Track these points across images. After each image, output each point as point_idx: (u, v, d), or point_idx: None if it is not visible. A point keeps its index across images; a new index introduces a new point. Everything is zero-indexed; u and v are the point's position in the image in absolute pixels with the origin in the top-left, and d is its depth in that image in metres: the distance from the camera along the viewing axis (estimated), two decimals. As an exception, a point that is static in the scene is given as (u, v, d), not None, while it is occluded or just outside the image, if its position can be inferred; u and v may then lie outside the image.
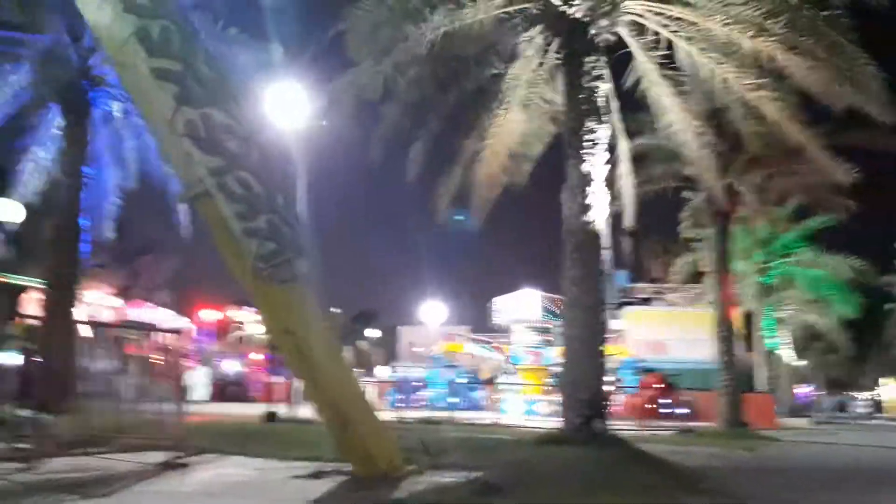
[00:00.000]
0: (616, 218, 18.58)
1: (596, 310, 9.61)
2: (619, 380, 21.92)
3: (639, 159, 18.68)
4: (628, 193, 12.18)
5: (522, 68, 11.89)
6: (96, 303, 37.33)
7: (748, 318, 29.96)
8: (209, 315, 41.47)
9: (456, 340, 29.56)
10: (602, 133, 10.26)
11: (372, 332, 50.83)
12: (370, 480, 6.41)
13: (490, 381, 23.39)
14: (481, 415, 17.92)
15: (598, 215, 9.93)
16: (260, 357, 35.21)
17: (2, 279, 14.90)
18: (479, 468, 7.16)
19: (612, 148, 11.90)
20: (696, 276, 28.29)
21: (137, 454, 7.65)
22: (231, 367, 39.24)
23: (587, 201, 9.85)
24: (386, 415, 18.03)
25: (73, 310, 13.07)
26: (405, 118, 11.83)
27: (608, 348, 26.01)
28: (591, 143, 10.08)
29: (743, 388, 17.56)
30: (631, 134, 14.10)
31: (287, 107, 17.71)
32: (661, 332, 29.10)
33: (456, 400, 20.13)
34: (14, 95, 13.89)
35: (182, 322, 41.55)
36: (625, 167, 11.92)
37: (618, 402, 20.54)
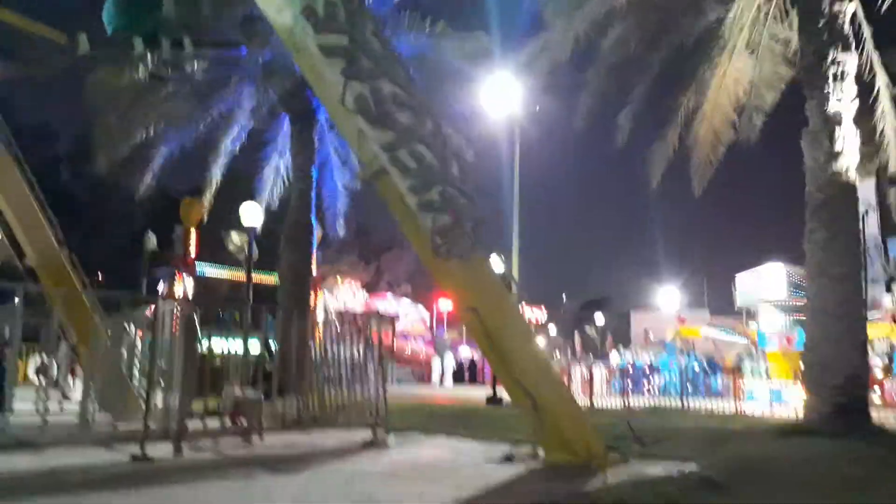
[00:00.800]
0: (882, 171, 15.63)
1: (850, 278, 7.91)
2: (893, 365, 18.52)
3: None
4: (892, 135, 9.92)
5: (744, 7, 10.32)
6: (347, 296, 41.16)
7: None
8: (445, 304, 43.41)
9: (691, 324, 27.26)
10: (850, 64, 8.46)
11: (599, 319, 49.69)
12: (564, 468, 5.84)
13: (733, 368, 21.15)
14: (721, 404, 16.13)
15: (850, 164, 8.19)
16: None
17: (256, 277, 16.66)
18: (698, 460, 6.22)
19: (867, 87, 9.86)
20: None
21: (351, 432, 7.92)
22: (466, 352, 40.80)
23: (835, 148, 8.16)
24: (611, 401, 17.27)
25: (308, 300, 14.19)
26: (610, 81, 10.88)
27: (878, 327, 22.18)
28: (836, 77, 8.34)
29: None
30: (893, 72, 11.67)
31: (496, 94, 17.70)
32: (953, 309, 24.06)
33: (690, 387, 18.42)
34: (252, 110, 15.46)
35: (420, 311, 44.20)
36: (886, 104, 9.71)
37: (893, 390, 17.40)
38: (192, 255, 28.98)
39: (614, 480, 5.30)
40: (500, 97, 17.62)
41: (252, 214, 15.47)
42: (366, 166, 6.04)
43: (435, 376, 34.56)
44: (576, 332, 58.29)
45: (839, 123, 8.21)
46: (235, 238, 17.60)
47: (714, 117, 10.67)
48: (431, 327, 44.40)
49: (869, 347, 22.57)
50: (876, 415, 7.68)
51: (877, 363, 19.08)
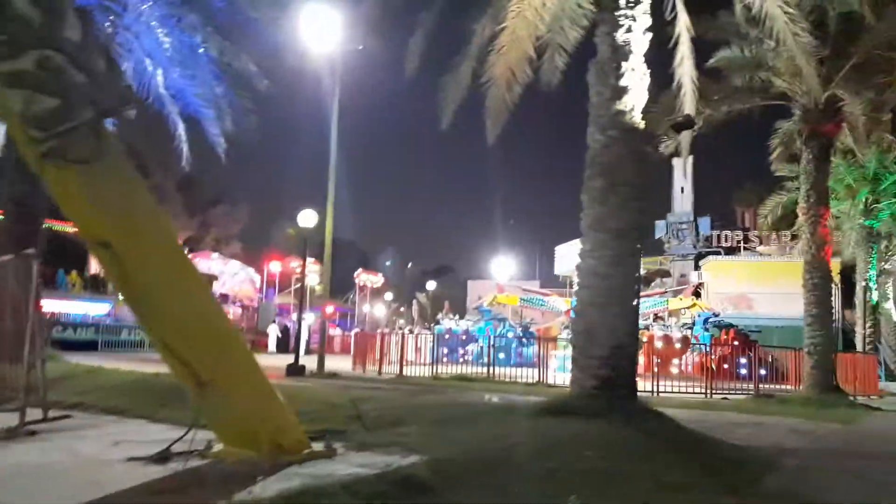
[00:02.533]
0: (693, 143, 15.57)
1: (626, 236, 6.89)
2: (691, 337, 18.99)
3: (715, 73, 15.43)
4: (688, 83, 9.10)
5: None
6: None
7: (849, 269, 25.67)
8: (276, 267, 40.57)
9: (508, 292, 26.92)
10: (645, -11, 7.40)
11: (431, 286, 49.48)
12: (229, 468, 4.20)
13: (549, 338, 20.85)
14: (530, 372, 15.50)
15: (636, 103, 7.15)
16: (330, 310, 33.46)
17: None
18: (426, 449, 4.85)
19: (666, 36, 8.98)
20: (790, 221, 24.44)
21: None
22: (297, 319, 38.22)
23: (620, 82, 7.07)
24: (422, 370, 16.09)
25: (37, 244, 11.43)
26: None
27: (683, 300, 22.76)
28: (629, 1, 7.24)
29: (840, 347, 14.47)
30: (707, 44, 11.08)
31: (315, 29, 15.59)
32: (747, 286, 25.65)
33: (502, 355, 17.75)
34: None
35: (249, 273, 40.94)
36: (685, 47, 8.86)
37: (690, 362, 17.78)
38: None
39: (286, 486, 3.72)
40: (319, 33, 15.61)
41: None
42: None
43: (271, 344, 31.85)
44: (414, 299, 57.91)
45: (627, 56, 7.13)
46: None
47: (512, 51, 9.28)
48: (261, 290, 41.37)
49: (673, 319, 23.29)
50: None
51: (677, 335, 19.64)
